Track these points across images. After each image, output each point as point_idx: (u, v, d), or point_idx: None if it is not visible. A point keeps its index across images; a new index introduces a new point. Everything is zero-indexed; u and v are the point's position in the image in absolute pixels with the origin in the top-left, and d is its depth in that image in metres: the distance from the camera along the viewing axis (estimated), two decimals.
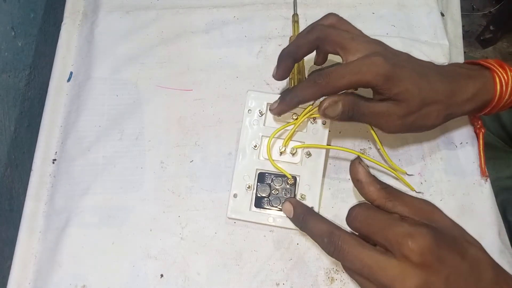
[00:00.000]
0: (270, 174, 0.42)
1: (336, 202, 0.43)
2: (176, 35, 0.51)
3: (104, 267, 0.41)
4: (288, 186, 0.41)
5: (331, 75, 0.35)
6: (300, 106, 0.38)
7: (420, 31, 0.51)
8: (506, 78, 0.38)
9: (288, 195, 0.41)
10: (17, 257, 0.42)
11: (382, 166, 0.42)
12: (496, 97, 0.38)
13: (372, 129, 0.39)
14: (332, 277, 0.40)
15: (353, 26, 0.38)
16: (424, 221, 0.29)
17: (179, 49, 0.51)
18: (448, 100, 0.37)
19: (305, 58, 0.39)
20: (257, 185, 0.41)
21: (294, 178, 0.41)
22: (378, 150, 0.45)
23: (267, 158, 0.41)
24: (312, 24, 0.39)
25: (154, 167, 0.45)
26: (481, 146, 0.41)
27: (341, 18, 0.39)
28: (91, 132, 0.47)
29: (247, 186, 0.41)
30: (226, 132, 0.46)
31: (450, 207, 0.42)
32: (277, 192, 0.41)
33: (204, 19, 0.52)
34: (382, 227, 0.29)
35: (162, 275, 0.40)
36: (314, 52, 0.39)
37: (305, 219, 0.34)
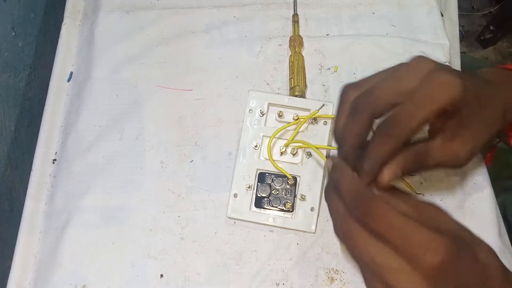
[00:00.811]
0: (271, 174, 0.42)
1: None
2: (176, 35, 0.51)
3: (104, 267, 0.41)
4: (288, 186, 0.41)
5: (402, 119, 0.28)
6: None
7: (420, 31, 0.51)
8: None
9: (288, 195, 0.41)
10: (17, 257, 0.42)
11: None
12: None
13: None
14: (332, 277, 0.40)
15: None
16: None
17: (179, 49, 0.51)
18: (505, 109, 0.33)
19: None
20: (257, 185, 0.41)
21: (295, 178, 0.41)
22: None
23: (268, 158, 0.41)
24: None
25: (154, 167, 0.45)
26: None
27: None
28: (91, 132, 0.47)
29: (248, 186, 0.41)
30: (226, 132, 0.46)
31: (450, 207, 0.42)
32: (277, 192, 0.41)
33: (204, 19, 0.52)
34: (399, 231, 0.26)
35: (162, 275, 0.40)
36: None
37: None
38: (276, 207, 0.41)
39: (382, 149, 0.29)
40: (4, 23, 0.50)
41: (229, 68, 0.49)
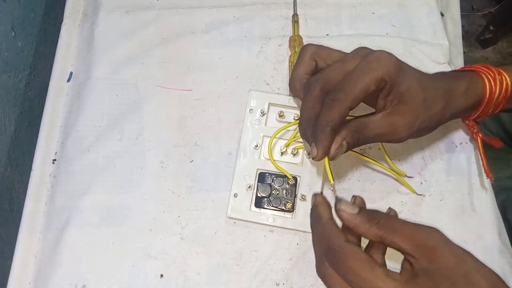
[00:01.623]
0: (271, 174, 0.42)
1: None
2: (176, 35, 0.51)
3: (104, 267, 0.41)
4: (288, 187, 0.41)
5: (346, 86, 0.33)
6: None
7: (420, 31, 0.51)
8: (492, 74, 0.38)
9: (289, 195, 0.41)
10: (17, 257, 0.42)
11: (382, 167, 0.42)
12: (487, 92, 0.38)
13: None
14: None
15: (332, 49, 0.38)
16: (424, 261, 0.27)
17: (179, 49, 0.51)
18: (447, 96, 0.37)
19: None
20: (257, 185, 0.41)
21: (295, 178, 0.41)
22: (378, 150, 0.45)
23: (268, 158, 0.41)
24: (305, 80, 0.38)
25: (154, 167, 0.45)
26: (481, 150, 0.42)
27: (319, 46, 0.38)
28: (91, 132, 0.47)
29: (248, 185, 0.41)
30: (226, 132, 0.46)
31: (450, 207, 0.42)
32: (278, 192, 0.41)
33: (204, 19, 0.52)
34: (365, 282, 0.26)
35: (162, 275, 0.40)
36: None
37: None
38: (276, 207, 0.41)
39: (330, 114, 0.33)
40: (4, 23, 0.50)
41: (229, 68, 0.49)
